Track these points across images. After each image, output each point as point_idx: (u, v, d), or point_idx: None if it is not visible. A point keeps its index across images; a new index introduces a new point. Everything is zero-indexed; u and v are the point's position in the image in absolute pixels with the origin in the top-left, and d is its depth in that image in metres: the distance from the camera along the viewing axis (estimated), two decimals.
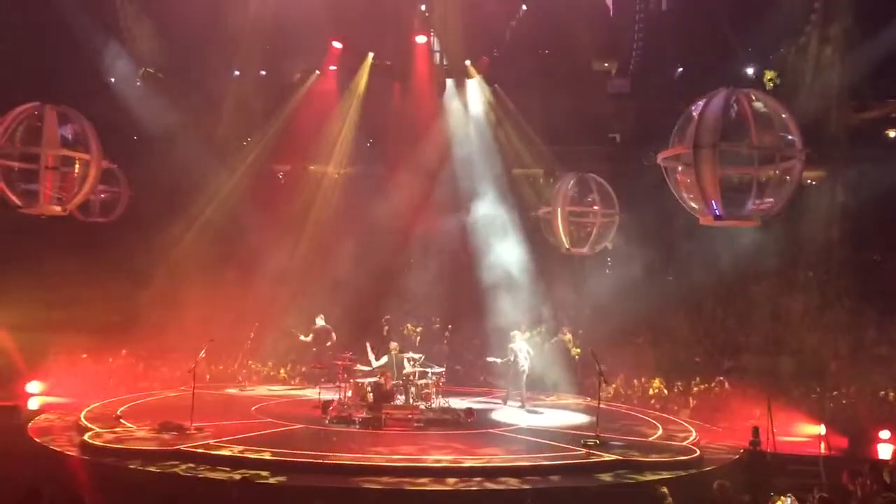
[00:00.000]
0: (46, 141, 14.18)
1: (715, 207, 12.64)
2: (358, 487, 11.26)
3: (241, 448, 12.71)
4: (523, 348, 18.29)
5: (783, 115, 12.85)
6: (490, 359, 19.28)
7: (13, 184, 14.49)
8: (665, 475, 12.23)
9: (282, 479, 11.38)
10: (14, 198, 14.49)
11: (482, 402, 18.82)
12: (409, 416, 15.29)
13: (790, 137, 12.79)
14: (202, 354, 14.69)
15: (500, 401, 18.88)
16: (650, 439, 14.88)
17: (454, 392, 18.32)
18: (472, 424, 15.62)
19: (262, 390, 19.68)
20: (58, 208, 14.76)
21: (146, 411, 15.57)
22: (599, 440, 13.94)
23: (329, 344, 18.84)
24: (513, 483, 11.78)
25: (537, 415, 17.68)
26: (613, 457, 13.18)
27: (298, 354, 20.79)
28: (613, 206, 18.96)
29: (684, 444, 14.45)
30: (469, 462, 12.57)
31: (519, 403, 18.26)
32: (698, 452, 13.72)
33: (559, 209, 18.87)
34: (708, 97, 12.83)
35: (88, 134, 14.81)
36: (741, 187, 12.86)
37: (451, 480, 11.71)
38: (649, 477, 12.19)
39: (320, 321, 19.22)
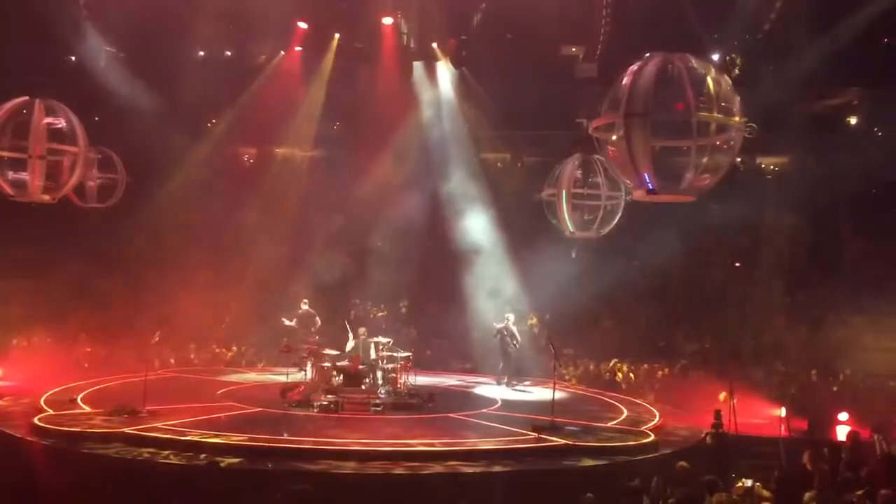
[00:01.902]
0: (34, 133, 14.85)
1: (648, 181, 11.89)
2: (273, 469, 11.14)
3: (190, 431, 12.56)
4: (513, 332, 18.54)
5: (723, 84, 11.98)
6: (496, 327, 19.14)
7: (3, 173, 15.14)
8: (603, 461, 12.26)
9: (225, 460, 11.24)
10: (5, 186, 15.15)
11: (468, 382, 19.10)
12: (367, 400, 15.20)
13: (730, 107, 11.94)
14: (156, 339, 15.21)
15: (491, 381, 19.19)
16: (610, 424, 14.78)
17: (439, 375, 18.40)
18: (432, 409, 15.48)
19: (237, 375, 19.49)
20: (46, 197, 15.37)
21: (107, 396, 15.34)
22: (555, 425, 13.72)
23: (314, 329, 18.65)
24: (437, 468, 11.55)
25: (521, 394, 17.90)
26: (562, 441, 13.00)
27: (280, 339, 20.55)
28: (619, 187, 17.77)
29: (642, 428, 14.34)
30: (394, 447, 12.31)
31: (505, 383, 18.71)
32: (652, 437, 13.61)
33: (563, 191, 17.77)
34: (642, 62, 12.00)
35: (75, 126, 15.38)
36: (676, 159, 12.11)
37: (374, 463, 11.55)
38: (589, 463, 12.17)
39: (304, 306, 18.96)
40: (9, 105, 15.02)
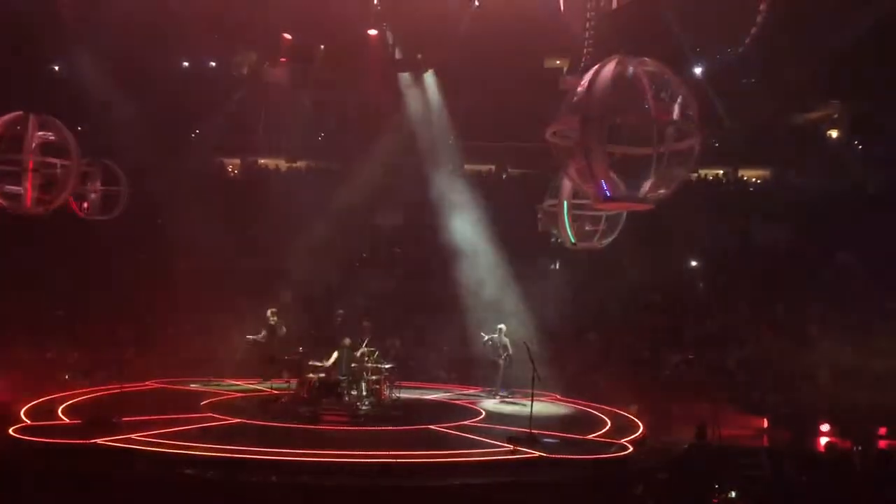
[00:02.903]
0: (27, 147, 15.38)
1: (605, 188, 11.53)
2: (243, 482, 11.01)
3: (163, 442, 12.43)
4: (506, 343, 18.39)
5: (682, 89, 11.60)
6: (485, 337, 19.00)
7: None
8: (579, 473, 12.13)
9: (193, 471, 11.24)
10: (0, 198, 15.67)
11: (456, 394, 19.05)
12: (346, 411, 15.08)
13: (689, 113, 11.58)
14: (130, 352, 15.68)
15: (481, 393, 19.08)
16: (590, 436, 14.58)
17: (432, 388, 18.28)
18: (412, 420, 15.30)
19: (226, 385, 19.37)
20: (40, 209, 15.96)
21: (87, 407, 15.20)
22: (533, 437, 13.47)
23: (281, 335, 18.55)
24: (406, 481, 11.39)
25: (509, 406, 17.71)
26: (536, 454, 12.69)
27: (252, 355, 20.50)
28: None
29: (621, 441, 14.02)
30: (359, 459, 12.04)
31: (497, 396, 18.54)
32: (630, 449, 13.40)
33: (564, 202, 16.98)
34: (599, 65, 11.60)
35: (68, 140, 15.93)
36: (634, 166, 11.75)
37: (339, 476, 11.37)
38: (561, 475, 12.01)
39: (271, 316, 18.96)
40: (3, 119, 15.45)
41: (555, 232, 17.96)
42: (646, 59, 11.68)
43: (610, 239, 17.27)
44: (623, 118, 11.47)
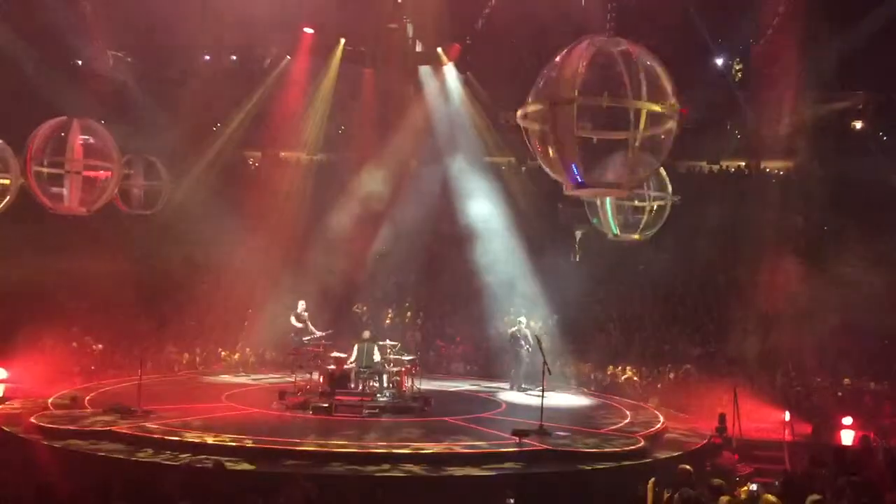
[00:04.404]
0: (70, 150, 16.09)
1: (576, 173, 11.03)
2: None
3: (177, 430, 12.74)
4: (527, 335, 18.30)
5: (658, 71, 10.99)
6: (510, 329, 19.05)
7: (43, 187, 16.36)
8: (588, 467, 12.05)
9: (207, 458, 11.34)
10: (45, 199, 16.25)
11: (481, 386, 19.15)
12: (361, 403, 15.09)
13: (666, 95, 11.01)
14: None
15: (505, 385, 19.04)
16: (605, 430, 14.44)
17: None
18: (427, 413, 15.32)
19: (249, 378, 19.56)
20: (83, 209, 16.57)
21: (112, 398, 15.42)
22: (543, 430, 13.36)
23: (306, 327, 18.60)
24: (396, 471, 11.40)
25: (532, 399, 17.29)
26: (542, 447, 12.63)
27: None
28: (665, 187, 16.72)
29: (636, 435, 13.84)
30: (372, 448, 12.23)
31: (518, 387, 18.49)
32: (642, 443, 13.24)
33: None
34: (570, 46, 11.04)
35: (108, 144, 16.51)
36: (607, 150, 11.32)
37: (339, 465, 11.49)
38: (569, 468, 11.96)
39: (301, 306, 18.91)
40: (48, 124, 16.19)
41: (595, 222, 17.47)
42: (619, 38, 11.21)
43: (653, 231, 16.87)
44: (596, 101, 10.80)
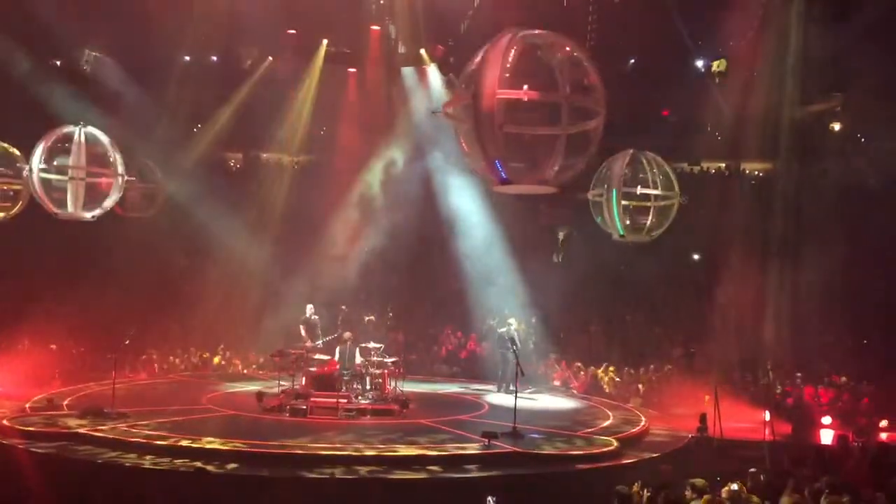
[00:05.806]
0: (75, 157, 16.30)
1: (500, 169, 10.72)
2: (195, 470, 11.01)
3: (146, 433, 12.87)
4: (514, 337, 18.23)
5: (584, 65, 10.75)
6: (499, 330, 19.05)
7: (48, 193, 16.44)
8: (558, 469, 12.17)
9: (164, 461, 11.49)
10: (49, 204, 16.39)
11: (467, 388, 19.26)
12: (338, 405, 15.07)
13: (595, 91, 10.86)
14: (126, 342, 16.13)
15: (492, 388, 19.07)
16: (581, 432, 14.56)
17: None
18: (404, 415, 15.35)
19: (232, 382, 19.55)
20: (88, 215, 16.65)
21: (91, 400, 15.34)
22: (516, 432, 13.47)
23: (318, 332, 18.47)
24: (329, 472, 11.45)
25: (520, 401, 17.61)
26: (511, 449, 12.71)
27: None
28: (673, 187, 16.37)
29: (610, 437, 13.96)
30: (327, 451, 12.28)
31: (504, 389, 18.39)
32: (615, 445, 13.34)
33: (614, 190, 15.80)
34: (494, 39, 10.83)
35: (111, 151, 16.67)
36: (534, 146, 10.97)
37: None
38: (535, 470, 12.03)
39: (310, 310, 18.72)
40: (54, 132, 16.42)
41: (599, 222, 16.97)
42: (544, 31, 10.99)
43: (659, 231, 16.47)
44: (519, 95, 10.57)
